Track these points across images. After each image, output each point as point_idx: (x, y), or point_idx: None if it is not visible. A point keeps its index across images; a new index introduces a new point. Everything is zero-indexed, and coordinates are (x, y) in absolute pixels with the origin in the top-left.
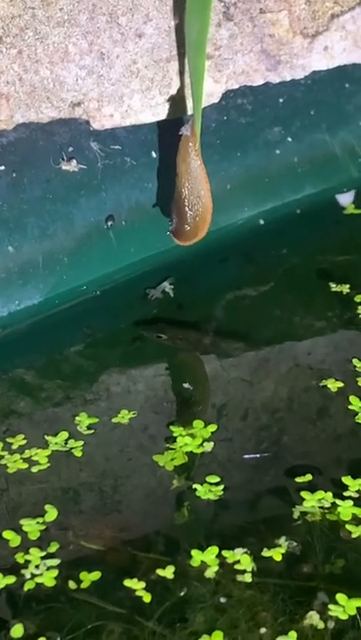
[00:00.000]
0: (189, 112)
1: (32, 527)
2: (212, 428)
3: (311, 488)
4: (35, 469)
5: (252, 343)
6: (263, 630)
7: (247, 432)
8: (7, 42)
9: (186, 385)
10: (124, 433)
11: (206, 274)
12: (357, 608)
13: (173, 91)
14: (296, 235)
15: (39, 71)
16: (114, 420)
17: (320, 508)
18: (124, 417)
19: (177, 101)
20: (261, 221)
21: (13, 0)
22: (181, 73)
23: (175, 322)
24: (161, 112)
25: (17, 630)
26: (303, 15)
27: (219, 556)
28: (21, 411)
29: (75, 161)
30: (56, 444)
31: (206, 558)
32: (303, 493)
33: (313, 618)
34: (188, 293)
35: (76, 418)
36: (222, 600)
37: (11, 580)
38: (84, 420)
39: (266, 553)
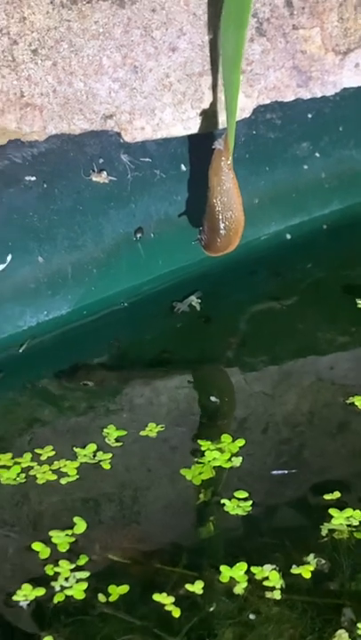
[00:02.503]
0: (220, 126)
1: (61, 539)
2: (241, 442)
3: (339, 505)
4: (63, 481)
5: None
6: None
7: (274, 447)
8: (42, 54)
9: (213, 398)
10: (152, 446)
11: (233, 287)
12: None
13: (205, 105)
14: (322, 250)
15: (73, 83)
16: (142, 433)
17: (348, 525)
18: (153, 430)
19: (208, 116)
20: (288, 236)
21: (50, 12)
22: (214, 87)
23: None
24: (192, 126)
25: None
26: (335, 32)
27: (247, 572)
28: (48, 420)
29: (105, 173)
30: (85, 455)
31: (235, 574)
32: (331, 510)
33: (342, 636)
34: (215, 307)
35: (105, 430)
36: (251, 616)
37: (40, 591)
38: (112, 433)
39: (295, 570)
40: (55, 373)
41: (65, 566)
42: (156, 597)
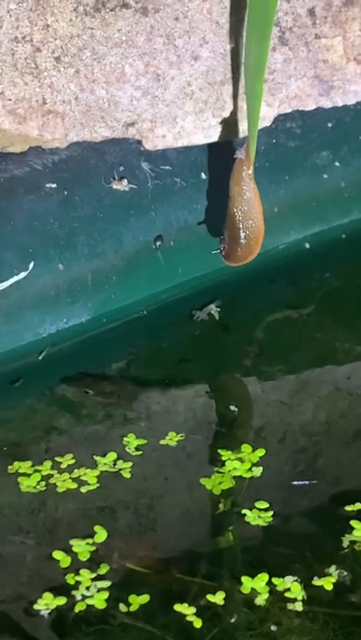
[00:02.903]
0: (241, 135)
1: (82, 548)
2: (261, 452)
3: (360, 517)
4: (84, 489)
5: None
6: None
7: (293, 457)
8: (65, 61)
9: (232, 407)
10: (172, 455)
11: (252, 296)
12: None
13: (226, 113)
14: (341, 259)
15: (95, 91)
16: (162, 442)
17: None
18: (173, 439)
19: (229, 124)
20: (307, 245)
21: (73, 20)
22: (235, 96)
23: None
24: (213, 134)
25: None
26: (358, 41)
27: (269, 583)
28: (66, 428)
29: (125, 180)
30: (105, 464)
31: (256, 585)
32: (353, 522)
33: None
34: (234, 315)
35: (125, 438)
36: (273, 628)
37: (62, 601)
38: (132, 441)
39: (316, 582)
40: (61, 378)
41: (86, 575)
42: (178, 608)
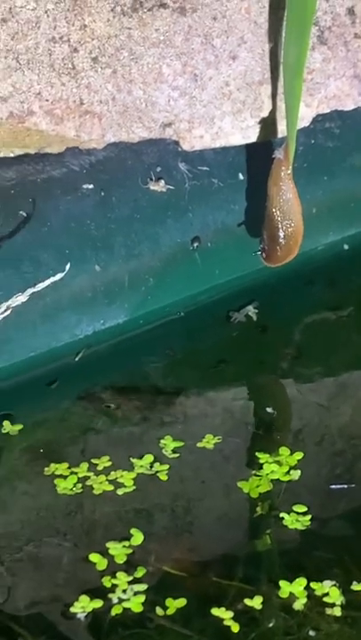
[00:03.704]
0: (279, 135)
1: (118, 550)
2: (299, 455)
3: None
4: (120, 492)
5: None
6: None
7: (331, 460)
8: (102, 61)
9: (269, 409)
10: (209, 458)
11: (290, 297)
12: None
13: (264, 114)
14: None
15: (132, 91)
16: (199, 445)
17: None
18: (210, 442)
19: (267, 124)
20: (346, 246)
21: (110, 20)
22: (273, 96)
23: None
24: (251, 135)
25: None
26: None
27: (307, 587)
28: (102, 430)
29: (163, 181)
30: (141, 466)
31: (294, 589)
32: None
33: None
34: (272, 317)
35: (162, 441)
36: (311, 633)
37: (98, 604)
38: (169, 444)
39: (355, 586)
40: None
41: (122, 578)
42: (215, 612)
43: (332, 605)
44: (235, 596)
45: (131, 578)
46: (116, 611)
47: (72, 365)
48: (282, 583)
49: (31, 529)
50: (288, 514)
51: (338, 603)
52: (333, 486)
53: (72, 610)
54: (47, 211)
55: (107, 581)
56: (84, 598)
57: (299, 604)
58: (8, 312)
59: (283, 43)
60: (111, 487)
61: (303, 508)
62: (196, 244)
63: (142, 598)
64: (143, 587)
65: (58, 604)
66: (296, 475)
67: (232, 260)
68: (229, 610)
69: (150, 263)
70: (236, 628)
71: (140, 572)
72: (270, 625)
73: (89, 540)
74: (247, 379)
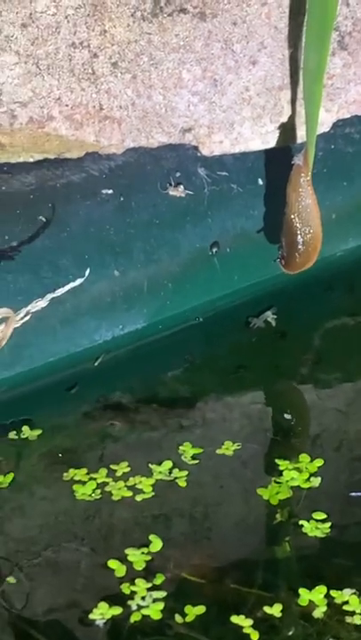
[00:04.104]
0: (299, 140)
1: (137, 557)
2: (319, 462)
3: None
4: (139, 498)
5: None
6: None
7: (350, 467)
8: (122, 67)
9: (287, 415)
10: (228, 464)
11: (309, 303)
12: None
13: (284, 119)
14: None
15: (152, 96)
16: (218, 451)
17: None
18: (229, 448)
19: (287, 130)
20: None
21: (130, 25)
22: (293, 101)
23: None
24: (270, 140)
25: None
26: None
27: (327, 595)
28: (121, 435)
29: (182, 186)
30: (160, 472)
31: (314, 597)
32: None
33: None
34: (291, 322)
35: (180, 447)
36: None
37: (117, 610)
38: (188, 450)
39: None
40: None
41: (141, 585)
42: (234, 619)
43: (353, 614)
44: (254, 604)
45: (150, 585)
46: (135, 618)
47: (91, 370)
48: (301, 591)
49: (50, 534)
50: (308, 521)
51: (358, 611)
52: (353, 494)
53: (91, 616)
54: (66, 216)
55: (126, 588)
56: (102, 605)
57: (318, 612)
58: (28, 317)
59: (303, 48)
60: (130, 493)
61: (323, 516)
62: (215, 250)
63: (161, 605)
64: (162, 594)
65: (76, 610)
66: (316, 482)
67: (251, 265)
68: (249, 617)
69: (169, 268)
70: (255, 635)
71: (158, 579)
72: (290, 633)
73: (107, 546)
74: (266, 384)
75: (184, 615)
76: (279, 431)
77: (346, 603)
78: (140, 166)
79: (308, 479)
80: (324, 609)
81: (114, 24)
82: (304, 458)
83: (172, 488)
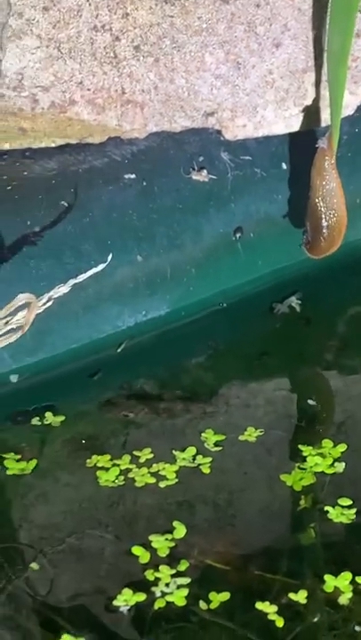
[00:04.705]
0: (323, 124)
1: (161, 543)
2: (342, 447)
3: None
4: (162, 484)
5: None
6: None
7: None
8: (144, 50)
9: (311, 401)
10: (251, 451)
11: (334, 288)
12: None
13: (308, 102)
14: None
15: (175, 80)
16: (241, 438)
17: None
18: (252, 435)
19: (311, 113)
20: None
21: (153, 8)
22: (317, 84)
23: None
24: (294, 123)
25: None
26: None
27: (352, 582)
28: (144, 422)
29: (205, 171)
30: (184, 459)
31: (340, 584)
32: None
33: None
34: (315, 308)
35: (203, 434)
36: (357, 628)
37: (141, 597)
38: (210, 437)
39: None
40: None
41: (165, 571)
42: (259, 606)
43: None
44: (279, 590)
45: (174, 571)
46: (159, 604)
47: (114, 357)
48: (327, 577)
49: (73, 520)
50: (333, 507)
51: None
52: None
53: (115, 603)
54: (89, 201)
55: (150, 574)
56: (126, 591)
57: (344, 599)
58: (50, 303)
59: (327, 30)
60: (153, 480)
61: (348, 502)
62: (238, 235)
63: (185, 592)
64: (186, 580)
65: (100, 596)
66: (340, 467)
67: (275, 250)
68: (273, 604)
69: (192, 254)
70: (280, 622)
71: (183, 566)
72: (315, 620)
73: (131, 532)
74: (290, 371)
75: (208, 602)
76: (303, 417)
77: None
78: (162, 151)
79: (332, 464)
80: (349, 595)
81: (136, 7)
82: (327, 443)
83: (195, 475)
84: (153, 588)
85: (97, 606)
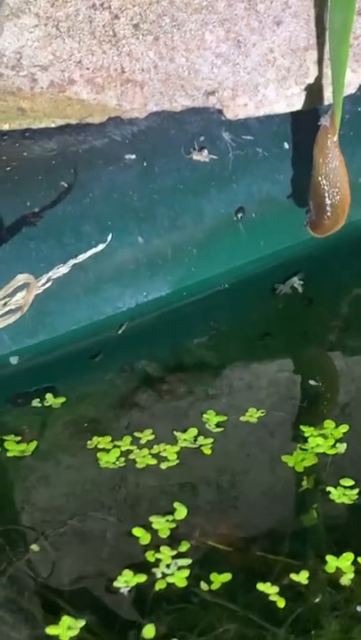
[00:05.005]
0: (325, 102)
1: (162, 525)
2: (344, 428)
3: None
4: (163, 465)
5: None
6: None
7: None
8: (144, 28)
9: (313, 382)
10: (253, 432)
11: (337, 269)
12: None
13: (310, 81)
14: None
15: (175, 59)
16: (242, 419)
17: None
18: (253, 415)
19: (313, 92)
20: None
21: None
22: (319, 62)
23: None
24: (296, 102)
25: (149, 630)
26: None
27: (354, 562)
28: (146, 404)
29: (206, 151)
30: (185, 440)
31: (342, 564)
32: None
33: None
34: (318, 289)
35: (204, 415)
36: (358, 609)
37: (142, 578)
38: (212, 418)
39: None
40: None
41: (166, 553)
42: (260, 587)
43: None
44: (280, 571)
45: (175, 552)
46: (159, 585)
47: (115, 338)
48: (328, 558)
49: (75, 503)
50: (335, 488)
51: None
52: None
53: (115, 584)
54: (89, 181)
55: (150, 556)
56: (127, 573)
57: (346, 579)
58: (49, 284)
59: (328, 7)
60: (154, 461)
61: (350, 482)
62: (240, 215)
63: (186, 573)
64: (187, 561)
65: (101, 578)
66: (342, 448)
67: (277, 230)
68: (275, 585)
69: (194, 234)
70: (281, 603)
71: (183, 547)
72: (317, 600)
73: (132, 513)
74: (292, 351)
75: (209, 583)
76: (305, 398)
77: None
78: (163, 131)
79: (333, 445)
80: (351, 576)
81: None
82: (329, 424)
83: (196, 456)
84: (154, 570)
85: (98, 588)
